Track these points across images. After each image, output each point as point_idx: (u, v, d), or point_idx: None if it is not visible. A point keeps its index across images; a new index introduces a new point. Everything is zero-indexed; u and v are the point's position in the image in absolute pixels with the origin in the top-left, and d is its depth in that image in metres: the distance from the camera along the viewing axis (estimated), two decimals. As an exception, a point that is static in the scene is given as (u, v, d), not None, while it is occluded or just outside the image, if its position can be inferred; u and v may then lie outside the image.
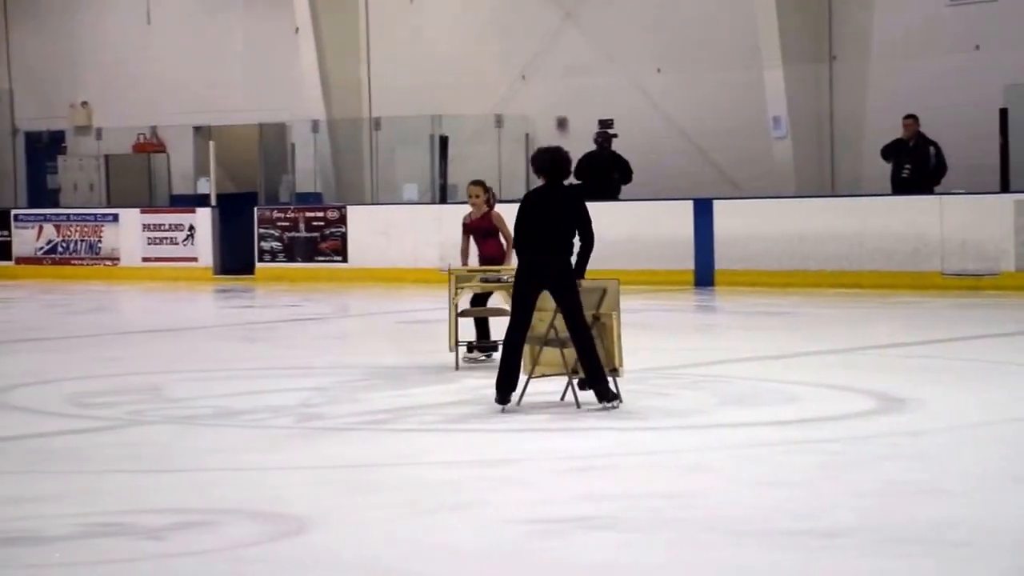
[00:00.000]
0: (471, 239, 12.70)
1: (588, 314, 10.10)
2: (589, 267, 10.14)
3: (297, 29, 25.04)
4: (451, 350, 12.04)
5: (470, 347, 12.43)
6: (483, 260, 12.63)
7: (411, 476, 8.30)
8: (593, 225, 10.06)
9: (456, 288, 12.07)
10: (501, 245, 12.57)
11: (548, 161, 10.08)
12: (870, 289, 18.89)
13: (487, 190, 12.74)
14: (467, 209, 12.79)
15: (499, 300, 12.47)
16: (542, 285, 9.98)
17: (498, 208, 12.70)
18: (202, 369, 12.85)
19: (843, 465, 8.29)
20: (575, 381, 10.15)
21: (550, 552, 6.53)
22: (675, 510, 7.23)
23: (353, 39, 25.10)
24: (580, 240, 10.01)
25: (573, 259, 10.07)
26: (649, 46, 22.69)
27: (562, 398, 10.31)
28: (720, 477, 8.07)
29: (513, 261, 11.21)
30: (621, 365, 10.25)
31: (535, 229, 9.95)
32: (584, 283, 10.12)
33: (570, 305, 9.93)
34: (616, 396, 9.99)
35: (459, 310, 12.18)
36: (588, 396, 10.20)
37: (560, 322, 10.01)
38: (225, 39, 26.44)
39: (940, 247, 18.92)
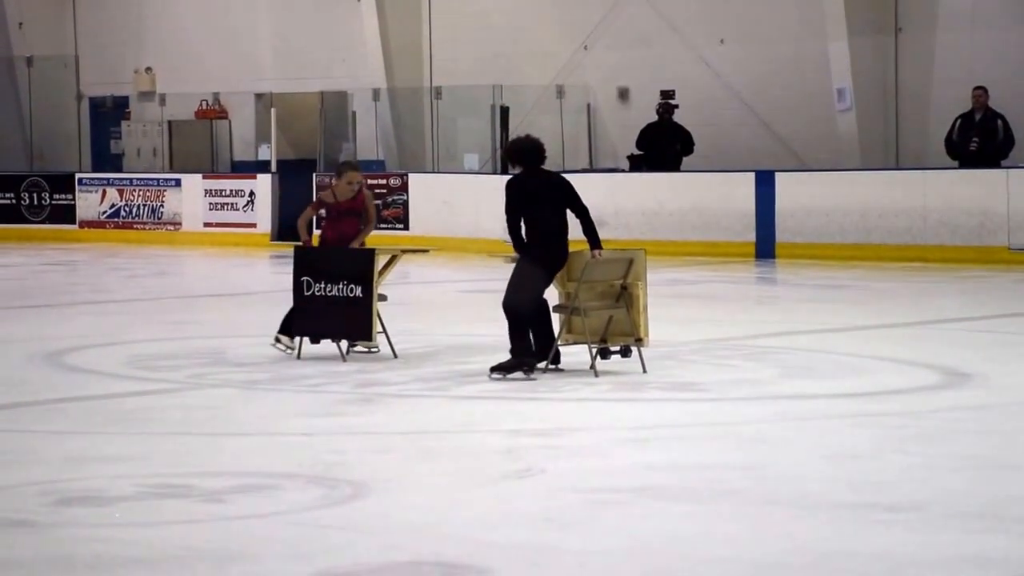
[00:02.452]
0: (319, 215, 11.63)
1: (615, 284, 10.26)
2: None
3: (359, -3, 25.01)
4: (373, 337, 11.16)
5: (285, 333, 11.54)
6: (341, 240, 11.68)
7: (470, 443, 8.30)
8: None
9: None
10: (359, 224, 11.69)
11: (525, 150, 10.41)
12: (934, 263, 18.70)
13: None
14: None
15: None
16: (564, 261, 10.25)
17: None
18: (262, 334, 12.86)
19: (907, 439, 8.21)
20: (595, 350, 10.22)
21: (610, 521, 6.50)
22: (736, 481, 7.19)
23: (415, 8, 25.02)
24: (579, 215, 10.23)
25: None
26: (712, 16, 22.49)
27: (591, 367, 10.30)
28: (782, 449, 8.01)
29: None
30: (646, 335, 10.34)
31: (546, 210, 10.21)
32: (610, 253, 10.21)
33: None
34: (508, 371, 10.13)
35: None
36: (606, 365, 10.25)
37: (583, 291, 10.14)
38: (288, 7, 26.43)
39: (1006, 221, 18.69)
